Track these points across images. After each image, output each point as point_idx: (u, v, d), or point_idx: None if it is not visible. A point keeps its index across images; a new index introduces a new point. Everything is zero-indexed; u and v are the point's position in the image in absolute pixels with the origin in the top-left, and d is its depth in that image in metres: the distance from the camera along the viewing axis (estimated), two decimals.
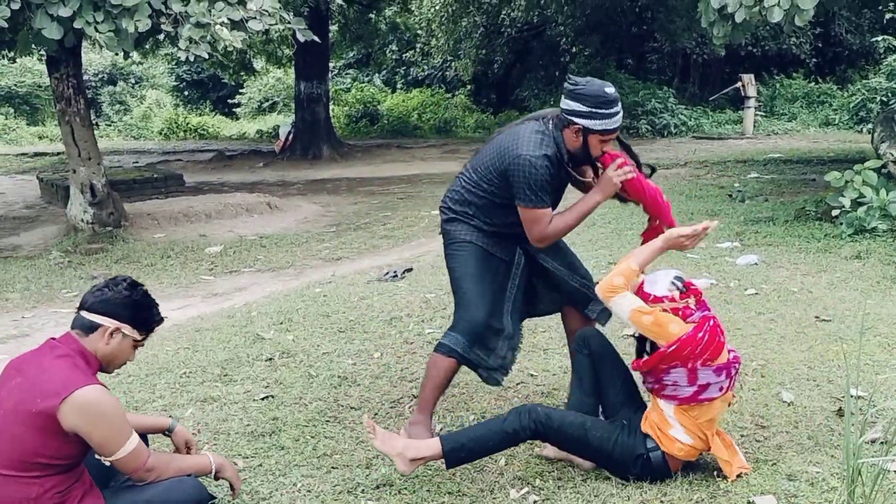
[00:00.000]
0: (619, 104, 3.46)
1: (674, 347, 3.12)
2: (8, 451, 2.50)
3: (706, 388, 3.16)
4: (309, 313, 5.77)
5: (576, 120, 3.43)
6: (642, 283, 3.31)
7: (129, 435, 2.60)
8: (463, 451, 3.23)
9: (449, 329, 3.68)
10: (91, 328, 2.69)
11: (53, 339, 2.73)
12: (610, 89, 3.44)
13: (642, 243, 3.61)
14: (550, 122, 3.55)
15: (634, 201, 3.69)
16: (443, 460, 3.26)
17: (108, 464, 2.63)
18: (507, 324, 3.72)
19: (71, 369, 2.57)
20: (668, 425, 3.22)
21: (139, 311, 2.76)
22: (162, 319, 2.89)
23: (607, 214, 9.13)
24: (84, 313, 2.71)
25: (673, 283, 3.25)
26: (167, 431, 3.09)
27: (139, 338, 2.78)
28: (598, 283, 3.36)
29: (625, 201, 3.74)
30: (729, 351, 3.25)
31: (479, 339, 3.62)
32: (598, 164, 3.63)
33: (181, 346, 5.18)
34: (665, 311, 3.19)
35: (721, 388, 3.18)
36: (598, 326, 3.89)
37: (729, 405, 3.32)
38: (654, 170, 3.81)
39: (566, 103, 3.45)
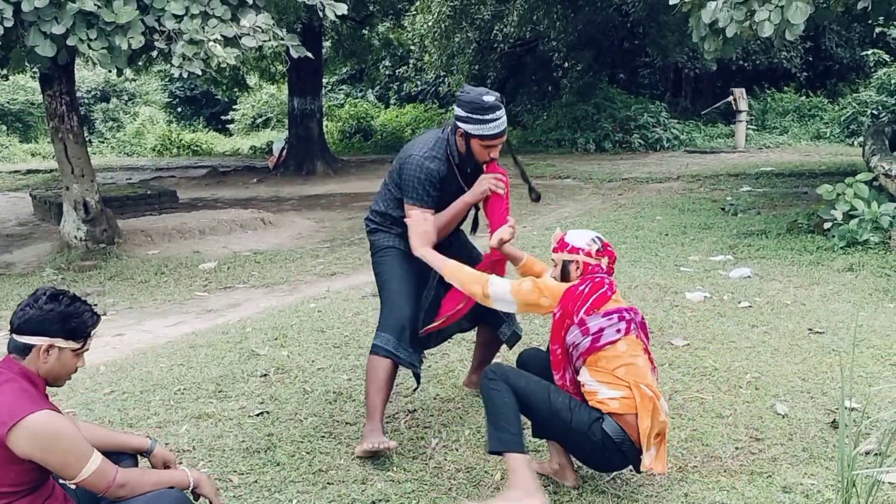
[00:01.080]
0: (499, 112, 3.69)
1: (558, 309, 3.26)
2: None
3: (601, 333, 3.19)
4: (304, 329, 5.76)
5: (459, 124, 3.71)
6: (564, 235, 3.43)
7: (88, 455, 2.50)
8: (518, 435, 3.24)
9: (378, 330, 3.83)
10: (25, 349, 2.58)
11: None
12: (489, 97, 3.66)
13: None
14: (448, 127, 3.83)
15: (485, 214, 3.88)
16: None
17: (73, 486, 2.55)
18: (420, 324, 3.86)
19: (16, 395, 2.47)
20: (594, 391, 3.23)
21: (67, 322, 2.60)
22: (97, 321, 2.72)
23: (600, 229, 9.16)
24: (14, 336, 2.59)
25: (594, 239, 3.38)
26: (145, 453, 2.95)
27: (77, 346, 2.64)
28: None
29: (478, 209, 3.97)
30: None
31: (407, 336, 3.78)
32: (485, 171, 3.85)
33: (175, 363, 5.17)
34: (577, 266, 3.33)
35: (618, 331, 3.20)
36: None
37: (646, 352, 3.28)
38: (539, 197, 4.19)
39: (455, 109, 3.73)
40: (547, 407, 3.25)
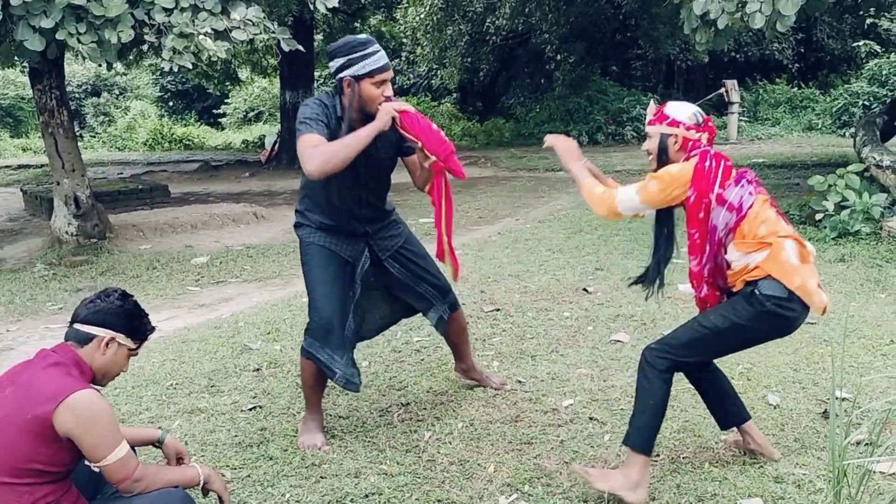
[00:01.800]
0: (376, 45, 3.55)
1: (692, 192, 3.15)
2: (2, 458, 2.50)
3: (741, 202, 3.13)
4: (296, 323, 5.76)
5: (343, 74, 3.53)
6: (662, 106, 3.31)
7: (119, 442, 2.60)
8: (650, 433, 3.22)
9: (305, 331, 3.79)
10: (86, 340, 2.71)
11: (45, 349, 2.73)
12: (361, 36, 3.58)
13: (428, 191, 3.81)
14: (326, 95, 3.65)
15: (413, 139, 3.58)
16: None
17: (97, 469, 2.62)
18: (349, 326, 3.80)
19: (64, 376, 2.58)
20: (744, 265, 3.17)
21: (132, 321, 2.79)
22: (153, 328, 2.92)
23: (593, 221, 9.17)
24: (78, 325, 2.73)
25: (695, 114, 3.26)
26: (157, 443, 3.07)
27: (133, 346, 2.81)
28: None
29: (406, 142, 3.68)
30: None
31: (329, 338, 3.70)
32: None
33: (168, 358, 5.17)
34: (676, 140, 3.22)
35: (751, 193, 3.16)
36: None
37: (771, 205, 3.24)
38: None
39: (332, 64, 3.57)
40: (711, 333, 3.19)
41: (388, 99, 3.56)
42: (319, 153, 3.35)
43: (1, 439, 2.52)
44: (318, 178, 3.40)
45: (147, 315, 2.88)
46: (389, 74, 3.57)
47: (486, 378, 4.43)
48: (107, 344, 2.72)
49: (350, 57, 3.51)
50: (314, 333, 3.71)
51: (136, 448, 3.04)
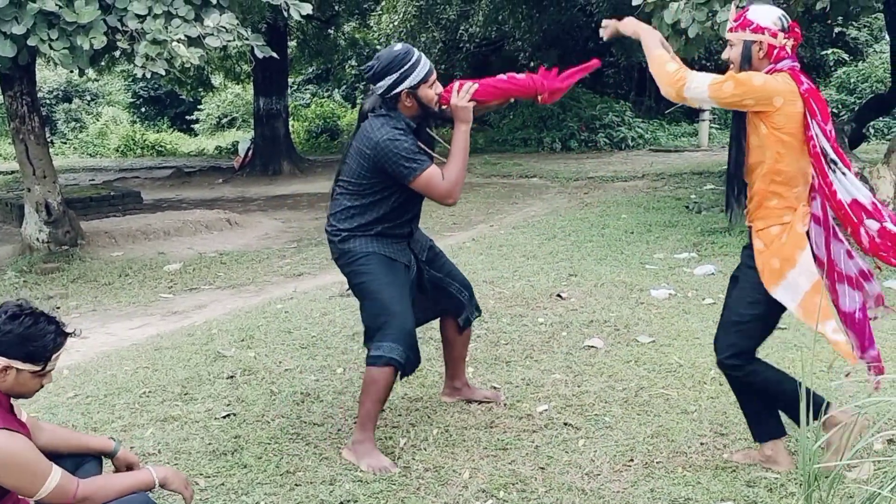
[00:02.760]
0: (416, 51, 3.62)
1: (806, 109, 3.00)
2: None
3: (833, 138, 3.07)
4: (270, 330, 5.74)
5: (398, 89, 3.57)
6: (746, 11, 3.11)
7: (47, 473, 2.45)
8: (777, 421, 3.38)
9: (378, 340, 3.61)
10: None
11: None
12: (397, 47, 3.63)
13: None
14: (382, 108, 3.66)
15: (501, 103, 3.87)
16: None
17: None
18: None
19: None
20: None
21: (25, 345, 2.50)
22: (60, 345, 2.61)
23: (567, 227, 9.22)
24: None
25: (780, 17, 3.06)
26: (110, 454, 2.91)
27: (36, 369, 2.54)
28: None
29: (497, 111, 3.88)
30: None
31: (413, 345, 3.66)
32: (445, 107, 3.71)
33: (140, 366, 5.13)
34: (761, 48, 3.06)
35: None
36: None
37: None
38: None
39: (379, 86, 3.60)
40: (757, 305, 3.25)
41: (440, 96, 3.67)
42: (452, 185, 3.58)
43: None
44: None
45: (48, 333, 2.55)
46: (433, 74, 3.64)
47: (476, 392, 4.38)
48: (4, 371, 2.50)
49: (402, 70, 3.55)
50: (398, 340, 3.58)
51: (100, 456, 2.92)
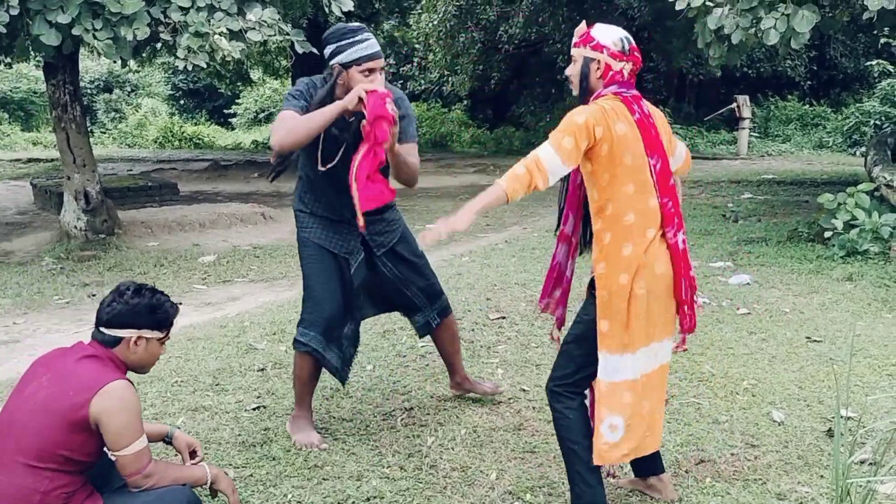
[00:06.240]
0: (367, 33, 3.53)
1: (655, 159, 2.91)
2: (32, 442, 2.55)
3: None
4: None
5: (332, 62, 3.52)
6: (589, 28, 3.00)
7: (140, 435, 2.64)
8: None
9: (298, 324, 3.79)
10: (114, 342, 2.74)
11: (82, 342, 2.79)
12: (354, 24, 3.58)
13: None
14: (321, 78, 3.65)
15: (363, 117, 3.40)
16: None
17: (113, 458, 2.65)
18: (348, 320, 3.83)
19: (101, 368, 2.65)
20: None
21: (153, 314, 2.78)
22: (177, 309, 2.91)
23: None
24: (103, 329, 2.75)
25: (622, 39, 2.95)
26: (166, 439, 3.08)
27: (161, 336, 2.84)
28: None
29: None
30: None
31: (330, 331, 3.73)
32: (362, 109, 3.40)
33: (173, 355, 5.17)
34: (599, 66, 2.93)
35: None
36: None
37: None
38: None
39: (325, 51, 3.56)
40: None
41: (369, 93, 3.33)
42: (283, 126, 3.41)
43: (33, 423, 2.57)
44: (280, 151, 3.47)
45: (166, 299, 2.85)
46: (378, 63, 3.52)
47: (476, 385, 4.38)
48: (135, 342, 2.75)
49: (339, 44, 3.50)
50: (310, 325, 3.73)
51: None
